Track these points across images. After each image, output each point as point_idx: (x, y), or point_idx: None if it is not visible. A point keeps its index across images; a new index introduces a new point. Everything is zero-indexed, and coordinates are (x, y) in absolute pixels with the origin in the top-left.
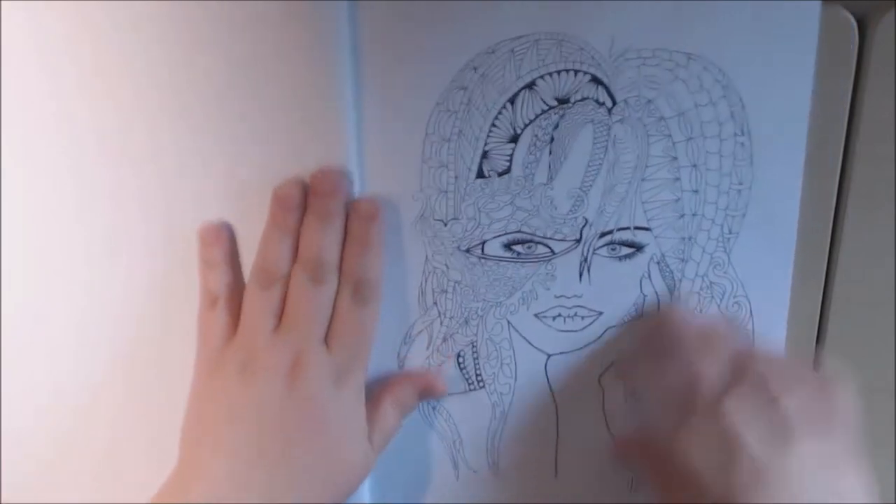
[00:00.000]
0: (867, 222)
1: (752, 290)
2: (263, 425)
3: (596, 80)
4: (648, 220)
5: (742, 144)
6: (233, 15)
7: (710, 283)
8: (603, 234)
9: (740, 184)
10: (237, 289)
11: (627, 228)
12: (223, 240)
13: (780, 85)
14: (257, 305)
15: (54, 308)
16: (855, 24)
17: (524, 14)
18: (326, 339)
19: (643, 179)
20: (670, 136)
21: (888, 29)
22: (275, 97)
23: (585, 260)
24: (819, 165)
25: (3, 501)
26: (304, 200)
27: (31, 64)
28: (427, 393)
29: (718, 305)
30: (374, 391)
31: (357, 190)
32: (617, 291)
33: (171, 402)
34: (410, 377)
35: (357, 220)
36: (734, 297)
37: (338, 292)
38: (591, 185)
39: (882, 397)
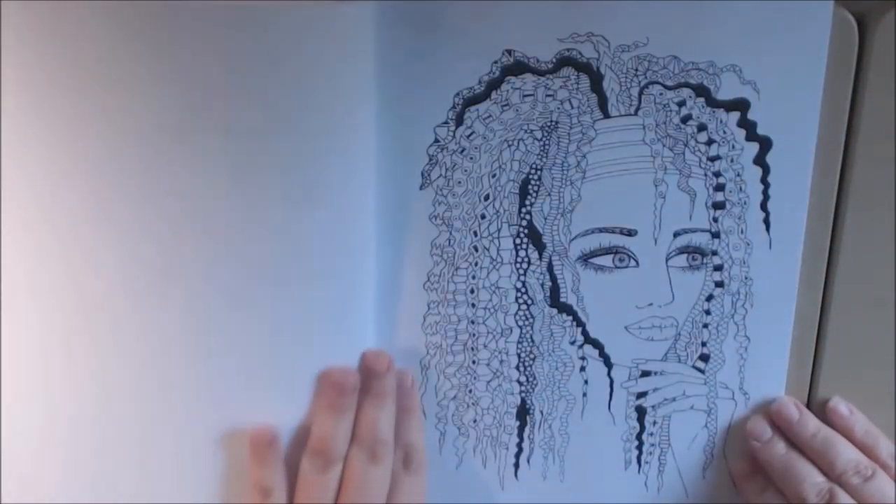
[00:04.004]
0: (867, 222)
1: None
2: None
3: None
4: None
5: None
6: (248, 19)
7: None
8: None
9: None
10: (290, 478)
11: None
12: (276, 442)
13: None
14: (316, 490)
15: (55, 309)
16: (855, 24)
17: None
18: None
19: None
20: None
21: (888, 29)
22: (288, 99)
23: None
24: (819, 165)
25: (3, 502)
26: (359, 383)
27: (34, 64)
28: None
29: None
30: None
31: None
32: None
33: (171, 403)
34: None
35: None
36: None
37: None
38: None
39: (882, 397)
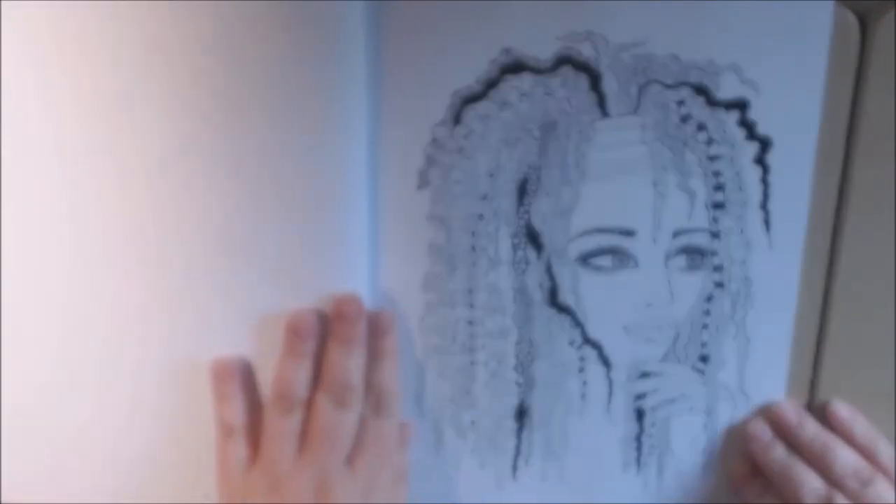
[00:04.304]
0: (868, 222)
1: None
2: None
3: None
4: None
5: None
6: (240, 18)
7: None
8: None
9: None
10: (254, 416)
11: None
12: (236, 373)
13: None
14: (279, 432)
15: (54, 310)
16: (857, 22)
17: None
18: (350, 458)
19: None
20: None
21: (889, 28)
22: (279, 99)
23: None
24: (820, 165)
25: (3, 501)
26: (318, 327)
27: (33, 67)
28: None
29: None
30: None
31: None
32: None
33: (171, 403)
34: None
35: (372, 334)
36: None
37: None
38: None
39: (882, 398)
